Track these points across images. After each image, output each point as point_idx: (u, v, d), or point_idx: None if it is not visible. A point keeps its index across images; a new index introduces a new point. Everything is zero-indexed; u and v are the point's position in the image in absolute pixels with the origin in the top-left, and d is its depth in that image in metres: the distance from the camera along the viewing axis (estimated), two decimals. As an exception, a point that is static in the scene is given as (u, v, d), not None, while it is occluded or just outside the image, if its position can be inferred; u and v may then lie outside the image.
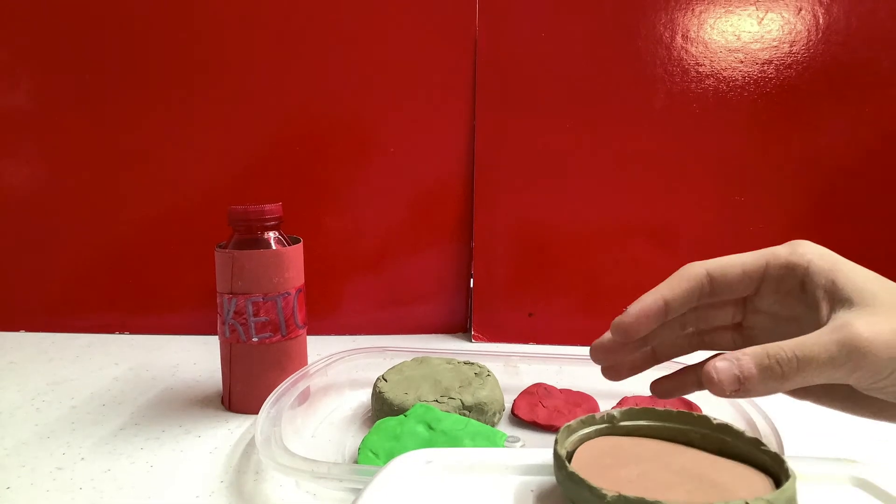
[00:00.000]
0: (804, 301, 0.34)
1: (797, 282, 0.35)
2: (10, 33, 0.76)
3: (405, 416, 0.47)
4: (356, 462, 0.44)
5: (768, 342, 0.32)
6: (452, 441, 0.44)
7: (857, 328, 0.30)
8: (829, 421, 0.55)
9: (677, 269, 0.36)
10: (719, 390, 0.32)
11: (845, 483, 0.32)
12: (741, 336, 0.38)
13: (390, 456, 0.42)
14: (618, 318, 0.35)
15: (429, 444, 0.44)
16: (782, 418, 0.45)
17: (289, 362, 0.56)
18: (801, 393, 0.35)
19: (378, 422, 0.47)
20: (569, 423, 0.32)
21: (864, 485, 0.32)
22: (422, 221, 0.78)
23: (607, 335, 0.36)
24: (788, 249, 0.35)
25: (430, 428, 0.46)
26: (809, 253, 0.35)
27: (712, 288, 0.36)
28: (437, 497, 0.31)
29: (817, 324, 0.32)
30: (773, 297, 0.36)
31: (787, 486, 0.27)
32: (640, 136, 0.74)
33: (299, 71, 0.76)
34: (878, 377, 0.30)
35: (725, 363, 0.32)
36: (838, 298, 0.32)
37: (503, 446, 0.44)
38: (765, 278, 0.35)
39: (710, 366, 0.32)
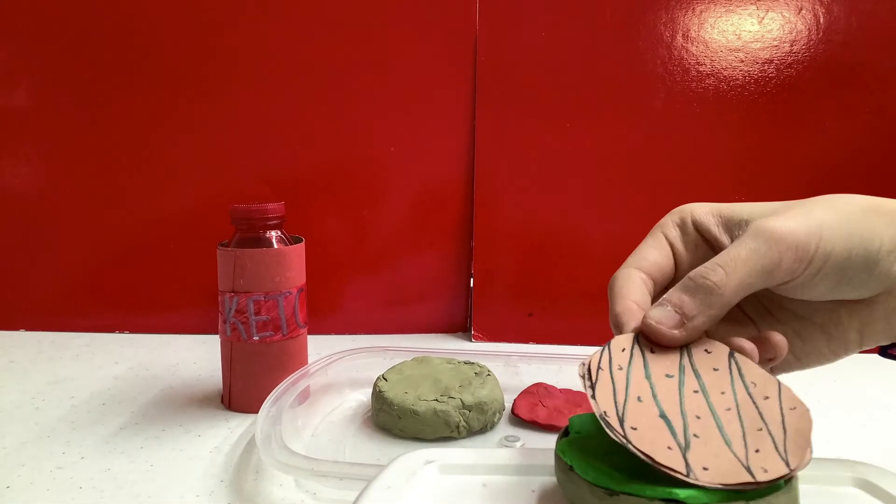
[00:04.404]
0: (710, 246, 0.35)
1: (694, 236, 0.35)
2: (10, 33, 0.76)
3: None
4: None
5: None
6: None
7: (770, 222, 0.30)
8: (830, 421, 0.55)
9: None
10: (669, 337, 0.31)
11: (846, 483, 0.32)
12: None
13: None
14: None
15: None
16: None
17: (289, 361, 0.56)
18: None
19: None
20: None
21: (865, 485, 0.32)
22: (422, 221, 0.78)
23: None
24: (670, 217, 0.36)
25: None
26: (687, 207, 0.36)
27: (648, 276, 0.35)
28: (436, 497, 0.31)
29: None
30: (685, 254, 0.36)
31: (790, 486, 0.27)
32: (641, 136, 0.74)
33: (300, 71, 0.76)
34: (805, 260, 0.30)
35: (658, 308, 0.31)
36: (735, 223, 0.33)
37: None
38: (671, 241, 0.36)
39: (646, 318, 0.31)
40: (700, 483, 0.25)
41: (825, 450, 0.49)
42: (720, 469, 0.26)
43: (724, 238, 0.34)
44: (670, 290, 0.31)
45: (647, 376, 0.29)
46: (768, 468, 0.26)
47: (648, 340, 0.31)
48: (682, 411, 0.28)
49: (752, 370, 0.30)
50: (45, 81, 0.77)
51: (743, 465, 0.26)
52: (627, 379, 0.29)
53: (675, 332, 0.30)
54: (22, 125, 0.78)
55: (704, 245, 0.35)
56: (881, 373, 0.66)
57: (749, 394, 0.29)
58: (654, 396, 0.29)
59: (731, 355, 0.31)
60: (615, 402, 0.28)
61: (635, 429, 0.27)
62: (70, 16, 0.76)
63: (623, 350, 0.30)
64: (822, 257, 0.30)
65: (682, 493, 0.25)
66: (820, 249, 0.30)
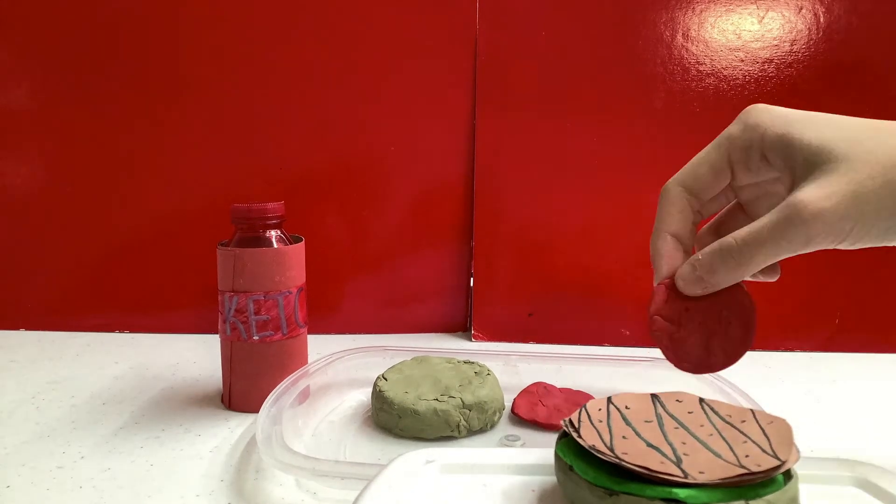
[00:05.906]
0: (775, 165, 0.34)
1: (760, 154, 0.35)
2: (10, 33, 0.76)
3: None
4: None
5: (770, 208, 0.32)
6: None
7: (804, 201, 0.30)
8: (830, 421, 0.55)
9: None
10: (692, 291, 0.35)
11: (846, 483, 0.32)
12: (746, 214, 0.39)
13: None
14: (657, 280, 0.37)
15: None
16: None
17: (289, 361, 0.56)
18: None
19: None
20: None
21: (865, 485, 0.32)
22: (422, 221, 0.78)
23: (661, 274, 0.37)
24: (741, 126, 0.35)
25: None
26: (761, 123, 0.34)
27: (696, 195, 0.37)
28: (437, 497, 0.31)
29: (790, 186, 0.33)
30: (747, 173, 0.36)
31: (789, 486, 0.27)
32: (641, 136, 0.74)
33: (300, 70, 0.76)
34: (839, 239, 0.30)
35: (687, 267, 0.35)
36: (798, 165, 0.32)
37: None
38: (732, 163, 0.36)
39: (677, 276, 0.35)
40: (699, 481, 0.26)
41: (825, 450, 0.50)
42: (715, 471, 0.26)
43: (787, 178, 0.33)
44: (704, 250, 0.34)
45: (628, 423, 0.31)
46: (761, 464, 0.27)
47: (620, 401, 0.34)
48: (667, 441, 0.30)
49: (724, 407, 0.32)
50: (45, 81, 0.77)
51: (736, 465, 0.27)
52: (609, 426, 0.31)
53: (698, 290, 0.34)
54: (22, 125, 0.78)
55: (767, 165, 0.35)
56: (881, 373, 0.66)
57: (727, 422, 0.31)
58: (638, 434, 0.30)
59: (701, 401, 0.33)
60: (602, 440, 0.29)
61: (626, 453, 0.28)
62: (70, 16, 0.76)
63: (599, 409, 0.32)
64: (858, 234, 0.30)
65: (681, 492, 0.26)
66: (856, 230, 0.30)
